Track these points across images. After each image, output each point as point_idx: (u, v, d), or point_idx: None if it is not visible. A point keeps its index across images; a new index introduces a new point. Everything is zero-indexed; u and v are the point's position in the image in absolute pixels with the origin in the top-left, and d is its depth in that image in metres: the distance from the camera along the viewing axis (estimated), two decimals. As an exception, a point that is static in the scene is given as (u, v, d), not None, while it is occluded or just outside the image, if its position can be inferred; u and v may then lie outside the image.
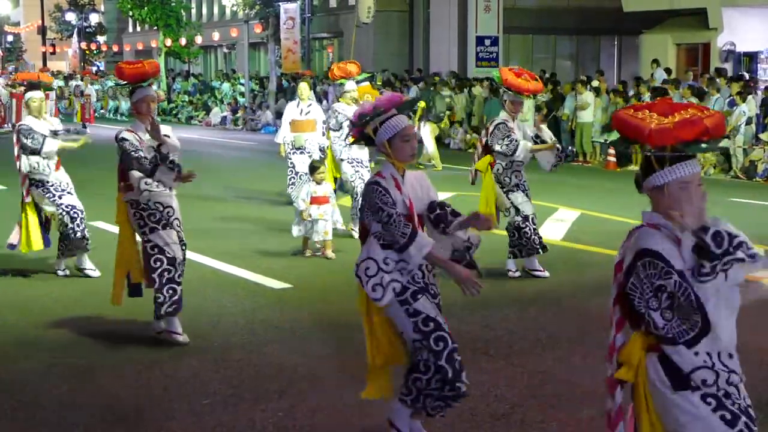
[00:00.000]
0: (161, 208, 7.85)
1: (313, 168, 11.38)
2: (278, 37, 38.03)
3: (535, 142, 10.30)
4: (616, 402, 4.01)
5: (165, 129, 8.00)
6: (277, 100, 36.56)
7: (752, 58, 27.24)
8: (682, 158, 3.83)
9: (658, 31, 29.79)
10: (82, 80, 43.88)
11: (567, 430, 5.99)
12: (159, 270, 7.75)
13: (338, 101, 13.13)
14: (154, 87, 8.56)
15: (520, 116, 10.73)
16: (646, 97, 23.11)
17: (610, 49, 38.02)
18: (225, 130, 37.26)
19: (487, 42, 33.92)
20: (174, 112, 44.25)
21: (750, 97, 20.95)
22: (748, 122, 20.62)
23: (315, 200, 11.00)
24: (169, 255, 7.77)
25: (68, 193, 10.24)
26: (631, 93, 24.15)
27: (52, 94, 36.50)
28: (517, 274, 10.31)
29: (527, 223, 10.22)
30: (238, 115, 38.93)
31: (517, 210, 10.23)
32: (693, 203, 3.83)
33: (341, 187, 12.99)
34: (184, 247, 7.99)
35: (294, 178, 14.35)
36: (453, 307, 9.13)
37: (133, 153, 7.65)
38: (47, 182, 10.11)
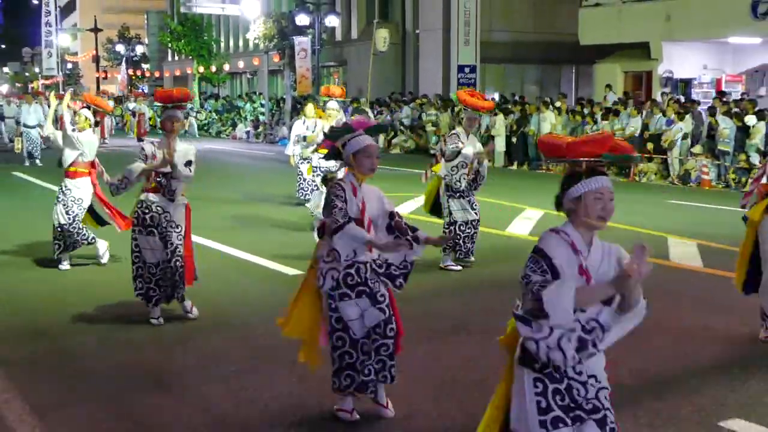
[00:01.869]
0: (160, 212, 7.70)
1: (329, 179, 11.25)
2: (293, 65, 38.01)
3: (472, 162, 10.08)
4: None
5: (186, 149, 7.78)
6: (292, 117, 36.51)
7: (687, 83, 27.26)
8: (597, 173, 3.74)
9: (609, 60, 29.78)
10: (135, 101, 43.78)
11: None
12: (136, 264, 7.81)
13: (321, 119, 13.26)
14: (190, 107, 8.50)
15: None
16: (599, 116, 23.16)
17: (569, 75, 37.98)
18: (248, 143, 37.26)
19: (467, 70, 33.94)
20: (206, 127, 44.23)
21: (687, 116, 20.96)
22: (684, 137, 20.63)
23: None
24: (147, 260, 7.75)
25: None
26: (586, 112, 24.18)
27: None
28: (458, 267, 10.09)
29: (461, 227, 10.07)
30: (259, 130, 38.92)
31: (450, 214, 10.09)
32: (605, 212, 3.70)
33: None
34: (172, 249, 7.70)
35: (302, 183, 14.39)
36: (441, 290, 9.20)
37: (140, 157, 7.67)
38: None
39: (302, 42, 36.41)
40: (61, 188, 10.06)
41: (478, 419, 5.44)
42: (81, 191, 9.99)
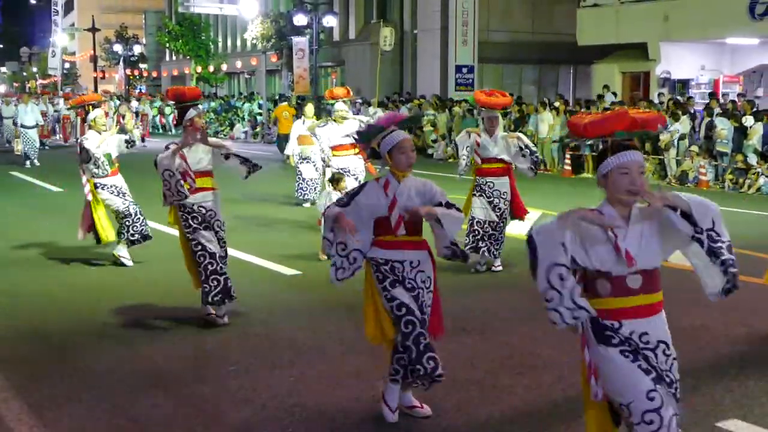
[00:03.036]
0: (203, 211, 7.68)
1: (336, 179, 11.19)
2: (291, 65, 38.01)
3: (522, 152, 10.00)
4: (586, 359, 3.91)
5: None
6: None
7: (685, 84, 27.30)
8: (623, 148, 3.77)
9: (607, 61, 29.81)
10: (139, 101, 43.76)
11: (531, 393, 6.00)
12: (203, 264, 7.64)
13: (333, 120, 12.79)
14: (202, 107, 8.55)
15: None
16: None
17: (567, 76, 38.00)
18: (246, 143, 37.20)
19: (465, 70, 33.99)
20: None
21: (684, 117, 20.97)
22: (682, 138, 20.65)
23: None
24: (210, 250, 7.65)
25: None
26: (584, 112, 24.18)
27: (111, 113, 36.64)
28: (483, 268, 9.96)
29: (472, 226, 9.91)
30: (256, 130, 38.88)
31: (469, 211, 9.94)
32: (633, 186, 3.73)
33: None
34: (224, 245, 7.82)
35: (301, 183, 14.39)
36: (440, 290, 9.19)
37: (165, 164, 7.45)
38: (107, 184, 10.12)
39: (300, 42, 36.42)
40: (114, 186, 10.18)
41: (477, 419, 5.45)
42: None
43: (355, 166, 12.18)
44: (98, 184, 10.05)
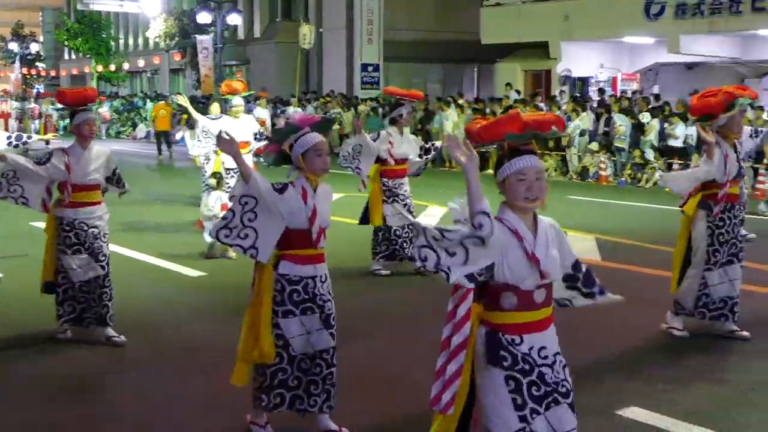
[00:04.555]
0: (85, 229, 7.01)
1: (219, 180, 11.03)
2: (195, 63, 37.59)
3: (420, 155, 9.82)
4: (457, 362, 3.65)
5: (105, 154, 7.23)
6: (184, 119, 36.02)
7: (584, 82, 27.95)
8: (520, 153, 3.60)
9: (509, 60, 30.31)
10: (37, 102, 42.54)
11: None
12: (63, 287, 7.06)
13: (226, 115, 12.31)
14: (104, 108, 8.16)
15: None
16: (500, 113, 23.58)
17: (471, 74, 38.49)
18: (149, 143, 36.45)
19: (370, 68, 34.18)
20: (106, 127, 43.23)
21: (584, 113, 21.47)
22: (582, 134, 21.13)
23: (224, 207, 10.46)
24: (72, 280, 7.02)
25: None
26: (487, 111, 24.56)
27: (14, 113, 35.57)
28: (387, 271, 9.75)
29: (388, 235, 9.66)
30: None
31: (384, 218, 9.61)
32: (530, 193, 3.56)
33: None
34: (103, 261, 7.09)
35: (207, 182, 14.14)
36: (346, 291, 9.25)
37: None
38: None
39: (204, 40, 36.03)
40: None
41: (389, 415, 5.47)
42: None
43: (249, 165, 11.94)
44: None
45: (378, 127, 25.33)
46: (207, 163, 14.01)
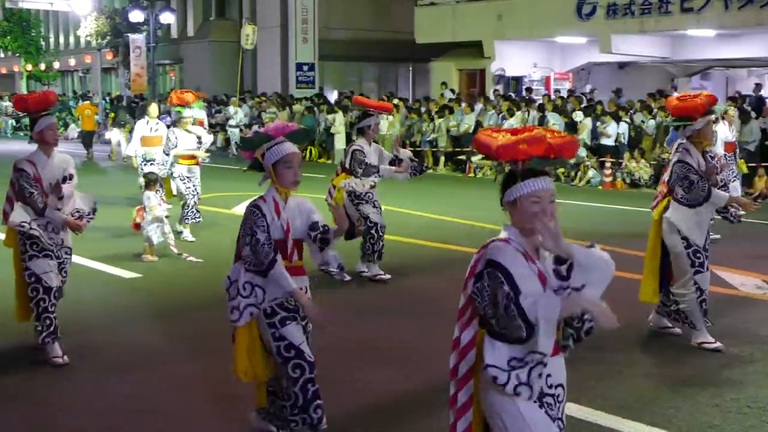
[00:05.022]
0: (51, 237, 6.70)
1: (150, 181, 10.87)
2: (127, 62, 37.12)
3: (393, 162, 9.58)
4: (460, 399, 3.54)
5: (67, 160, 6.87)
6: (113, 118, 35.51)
7: (518, 81, 28.24)
8: (534, 174, 3.42)
9: (444, 59, 30.47)
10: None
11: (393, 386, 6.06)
12: (35, 299, 6.63)
13: (176, 126, 12.07)
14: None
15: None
16: (434, 112, 23.70)
17: (406, 74, 38.61)
18: (81, 143, 35.97)
19: (305, 68, 34.07)
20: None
21: (518, 112, 21.68)
22: (516, 133, 21.29)
23: (140, 211, 10.43)
24: (45, 284, 6.61)
25: None
26: (423, 110, 24.67)
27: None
28: (368, 273, 9.67)
29: (382, 230, 9.55)
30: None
31: (367, 218, 9.46)
32: (545, 218, 3.38)
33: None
34: (65, 275, 6.88)
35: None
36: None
37: (27, 187, 6.49)
38: None
39: (136, 39, 35.61)
40: None
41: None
42: None
43: (197, 177, 11.87)
44: None
45: (313, 126, 25.16)
46: (145, 165, 13.78)
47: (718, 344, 7.01)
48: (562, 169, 20.26)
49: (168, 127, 14.02)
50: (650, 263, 7.25)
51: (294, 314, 4.74)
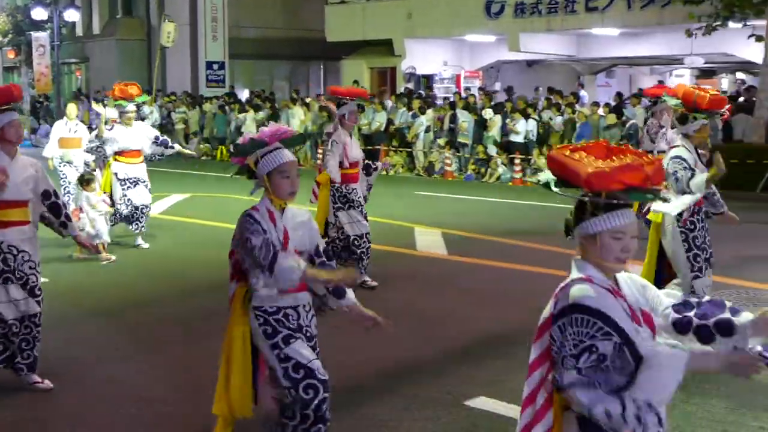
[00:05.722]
0: (14, 253, 5.97)
1: (86, 180, 10.56)
2: (30, 61, 36.16)
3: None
4: None
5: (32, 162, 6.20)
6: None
7: (429, 79, 28.45)
8: (617, 206, 2.99)
9: (355, 57, 30.51)
10: None
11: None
12: None
13: (118, 122, 11.49)
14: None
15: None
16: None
17: (318, 72, 38.51)
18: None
19: (216, 66, 33.74)
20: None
21: (429, 110, 21.86)
22: (427, 130, 21.50)
23: (75, 212, 10.18)
24: (2, 317, 5.95)
25: None
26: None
27: None
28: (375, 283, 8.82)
29: (353, 243, 8.92)
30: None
31: (341, 229, 8.95)
32: (625, 254, 3.02)
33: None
34: (39, 293, 6.16)
35: (68, 187, 13.49)
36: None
37: None
38: None
39: (40, 38, 34.69)
40: None
41: None
42: None
43: (144, 174, 11.31)
44: None
45: (223, 126, 24.81)
46: (64, 166, 13.32)
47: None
48: (472, 166, 20.52)
49: (90, 128, 13.61)
50: (648, 266, 6.98)
51: (297, 330, 4.38)
